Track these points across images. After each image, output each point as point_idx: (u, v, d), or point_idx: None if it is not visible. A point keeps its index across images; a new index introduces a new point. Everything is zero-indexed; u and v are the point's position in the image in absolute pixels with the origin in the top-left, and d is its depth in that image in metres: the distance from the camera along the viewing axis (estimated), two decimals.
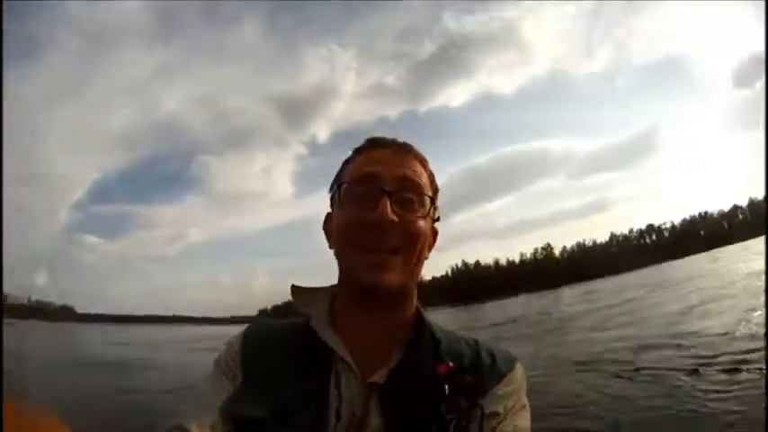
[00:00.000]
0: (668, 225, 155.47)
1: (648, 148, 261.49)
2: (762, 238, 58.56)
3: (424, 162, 1.12)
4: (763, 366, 9.92)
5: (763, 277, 24.20)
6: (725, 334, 13.86)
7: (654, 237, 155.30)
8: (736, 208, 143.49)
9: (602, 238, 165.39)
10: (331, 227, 1.11)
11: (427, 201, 1.07)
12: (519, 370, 1.08)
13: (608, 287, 54.85)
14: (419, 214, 1.04)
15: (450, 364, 1.00)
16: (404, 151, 1.10)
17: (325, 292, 1.13)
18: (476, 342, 1.11)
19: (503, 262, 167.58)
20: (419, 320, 1.09)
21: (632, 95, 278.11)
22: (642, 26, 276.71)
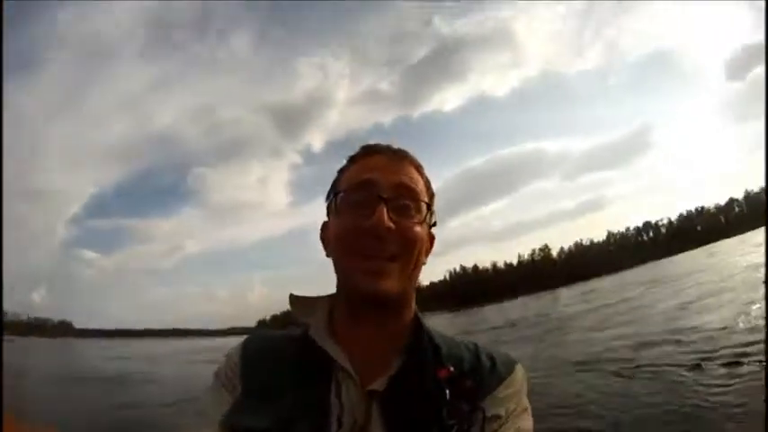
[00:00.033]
0: (665, 221, 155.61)
1: (643, 145, 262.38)
2: (758, 231, 58.87)
3: (419, 168, 1.12)
4: (763, 358, 9.95)
5: (762, 269, 24.31)
6: (724, 328, 13.93)
7: (651, 234, 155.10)
8: (732, 201, 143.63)
9: (599, 237, 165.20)
10: (328, 235, 1.11)
11: (423, 207, 1.06)
12: (519, 372, 1.07)
13: (606, 286, 54.99)
14: (416, 220, 1.04)
15: (451, 368, 1.00)
16: (399, 158, 1.10)
17: (324, 301, 1.12)
18: (475, 346, 1.10)
19: (500, 265, 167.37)
20: (418, 326, 1.08)
21: (625, 93, 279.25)
22: (632, 24, 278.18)
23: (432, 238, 1.13)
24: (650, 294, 30.90)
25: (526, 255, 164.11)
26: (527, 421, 1.03)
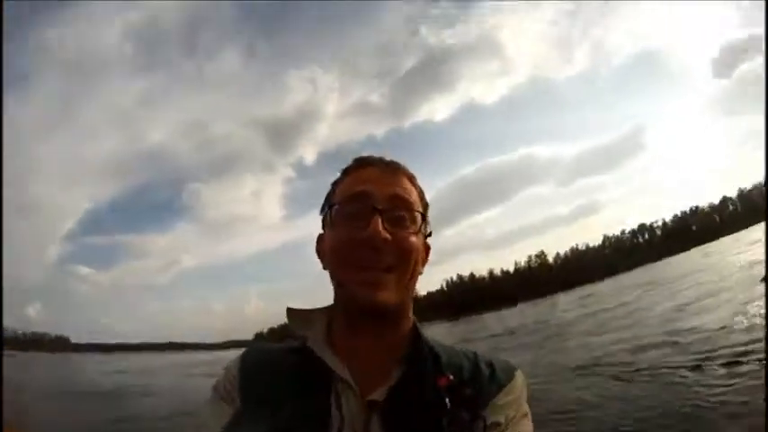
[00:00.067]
0: (659, 223, 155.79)
1: (634, 147, 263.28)
2: (753, 228, 59.14)
3: (412, 179, 1.13)
4: (762, 357, 9.97)
5: (758, 267, 24.39)
6: (723, 328, 13.92)
7: (646, 236, 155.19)
8: (726, 200, 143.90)
9: (595, 241, 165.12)
10: (324, 248, 1.11)
11: (418, 217, 1.06)
12: (519, 378, 1.07)
13: (604, 290, 55.12)
14: (411, 231, 1.04)
15: (451, 377, 0.99)
16: (392, 169, 1.11)
17: (321, 313, 1.11)
18: (474, 354, 1.10)
19: (497, 272, 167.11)
20: (416, 336, 1.08)
21: (614, 96, 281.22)
22: (618, 25, 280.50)
23: (427, 247, 1.13)
24: (647, 297, 30.96)
25: (522, 261, 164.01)
26: (527, 426, 1.03)
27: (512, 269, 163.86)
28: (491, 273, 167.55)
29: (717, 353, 11.29)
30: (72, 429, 14.22)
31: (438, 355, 1.05)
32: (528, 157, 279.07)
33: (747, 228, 71.15)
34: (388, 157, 1.14)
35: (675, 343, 13.64)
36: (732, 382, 9.12)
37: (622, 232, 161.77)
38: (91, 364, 73.25)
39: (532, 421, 1.05)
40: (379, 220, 0.99)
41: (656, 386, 10.18)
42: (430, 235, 1.12)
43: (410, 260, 1.03)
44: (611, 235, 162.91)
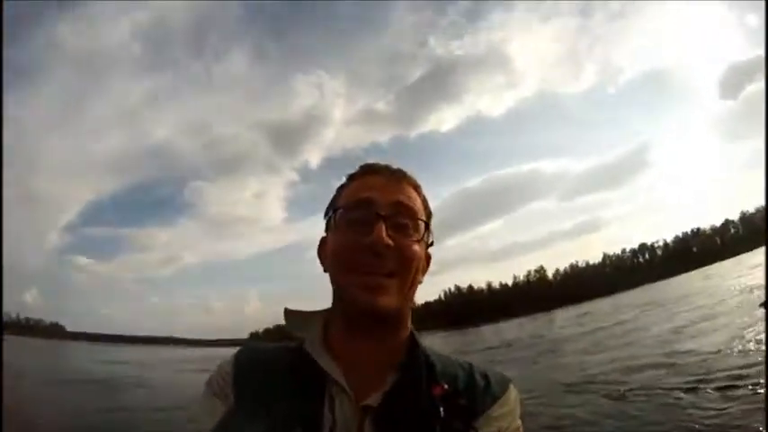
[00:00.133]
0: (660, 243, 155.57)
1: (638, 166, 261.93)
2: (754, 253, 59.00)
3: (417, 188, 1.13)
4: (757, 381, 9.94)
5: (757, 292, 24.32)
6: (718, 351, 13.87)
7: (647, 255, 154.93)
8: (728, 222, 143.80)
9: (595, 258, 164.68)
10: (325, 251, 1.11)
11: (421, 225, 1.07)
12: (513, 392, 1.07)
13: (602, 308, 54.87)
14: (414, 239, 1.04)
15: (446, 386, 1.00)
16: (397, 177, 1.11)
17: (319, 316, 1.12)
18: (470, 365, 1.11)
19: (495, 285, 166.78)
20: (413, 344, 1.08)
21: (620, 113, 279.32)
22: (626, 44, 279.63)
23: (428, 257, 1.14)
24: (645, 317, 30.84)
25: (522, 276, 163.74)
26: None
27: (510, 282, 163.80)
28: (489, 285, 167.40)
29: (712, 376, 11.26)
30: (62, 416, 14.18)
31: (433, 363, 1.06)
32: (533, 171, 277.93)
33: (749, 251, 71.01)
34: (393, 166, 1.15)
35: (671, 364, 13.58)
36: (727, 405, 9.08)
37: (623, 251, 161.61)
38: (85, 352, 72.72)
39: None
40: (383, 227, 0.99)
41: (650, 406, 10.14)
42: (432, 244, 1.13)
43: (411, 267, 1.03)
44: (611, 253, 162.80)
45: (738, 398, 9.35)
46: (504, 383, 1.08)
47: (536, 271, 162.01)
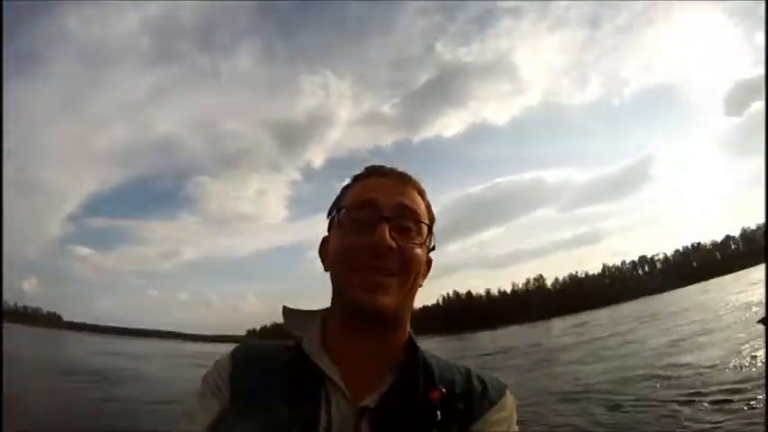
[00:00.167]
0: (660, 257, 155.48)
1: (641, 179, 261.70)
2: (753, 269, 58.91)
3: (421, 192, 1.14)
4: (754, 396, 9.95)
5: (755, 309, 24.31)
6: (714, 366, 13.86)
7: (646, 268, 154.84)
8: (728, 238, 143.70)
9: (595, 269, 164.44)
10: (327, 250, 1.12)
11: (424, 229, 1.07)
12: (509, 398, 1.08)
13: (599, 319, 54.80)
14: (416, 242, 1.05)
15: (443, 390, 1.00)
16: (402, 180, 1.11)
17: (317, 316, 1.12)
18: (467, 370, 1.11)
19: (494, 292, 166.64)
20: (412, 346, 1.08)
21: (624, 126, 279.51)
22: (632, 57, 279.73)
23: (429, 261, 1.14)
24: (642, 329, 30.85)
25: (521, 283, 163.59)
26: None
27: (509, 290, 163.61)
28: (488, 292, 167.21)
29: (708, 389, 11.27)
30: (58, 405, 14.20)
31: (431, 367, 1.06)
32: (535, 179, 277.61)
33: (749, 268, 70.93)
34: (399, 169, 1.15)
35: (667, 377, 13.58)
36: (723, 419, 9.11)
37: (623, 263, 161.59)
38: (81, 343, 72.66)
39: None
40: (386, 228, 1.00)
41: (645, 417, 10.16)
42: (434, 249, 1.13)
43: (412, 270, 1.03)
44: (611, 265, 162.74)
45: (734, 411, 9.38)
46: (501, 389, 1.08)
47: (535, 279, 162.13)
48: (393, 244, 0.99)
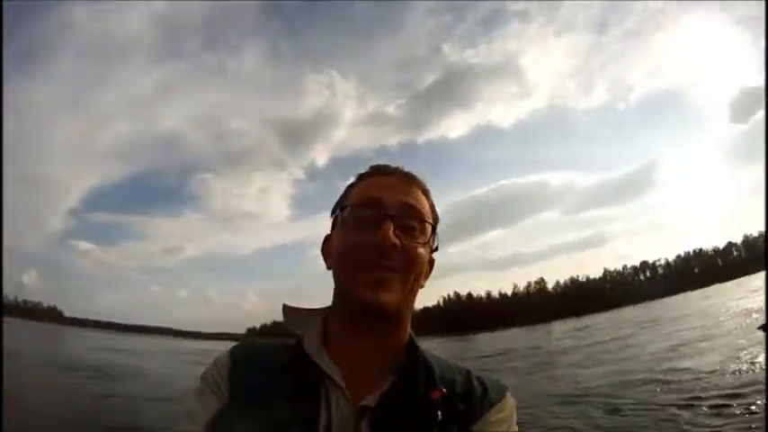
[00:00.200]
0: (662, 262, 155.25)
1: (645, 185, 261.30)
2: (754, 276, 58.85)
3: (426, 192, 1.13)
4: (753, 401, 9.96)
5: (755, 315, 24.31)
6: (714, 371, 13.85)
7: (648, 273, 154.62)
8: (730, 245, 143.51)
9: (596, 273, 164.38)
10: (330, 248, 1.11)
11: (428, 228, 1.07)
12: (509, 399, 1.07)
13: (600, 323, 54.71)
14: (420, 241, 1.04)
15: (444, 390, 1.00)
16: (407, 180, 1.11)
17: (318, 314, 1.12)
18: (467, 371, 1.10)
19: (495, 294, 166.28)
20: (413, 347, 1.08)
21: (629, 131, 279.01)
22: (639, 62, 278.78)
23: (432, 262, 1.14)
24: (643, 334, 30.75)
25: (522, 286, 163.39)
26: None
27: (510, 292, 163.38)
28: (489, 294, 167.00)
29: (708, 393, 11.27)
30: (58, 402, 14.21)
31: (432, 367, 1.06)
32: (540, 182, 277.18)
33: (750, 274, 70.85)
34: (403, 168, 1.16)
35: (667, 381, 13.57)
36: (722, 423, 9.12)
37: (624, 267, 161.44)
38: (82, 338, 72.70)
39: None
40: (390, 227, 0.99)
41: (644, 420, 10.16)
42: (437, 249, 1.13)
43: (415, 269, 1.03)
44: (612, 269, 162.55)
45: (733, 416, 9.38)
46: (501, 390, 1.08)
47: (536, 282, 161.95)
48: (397, 242, 0.99)
